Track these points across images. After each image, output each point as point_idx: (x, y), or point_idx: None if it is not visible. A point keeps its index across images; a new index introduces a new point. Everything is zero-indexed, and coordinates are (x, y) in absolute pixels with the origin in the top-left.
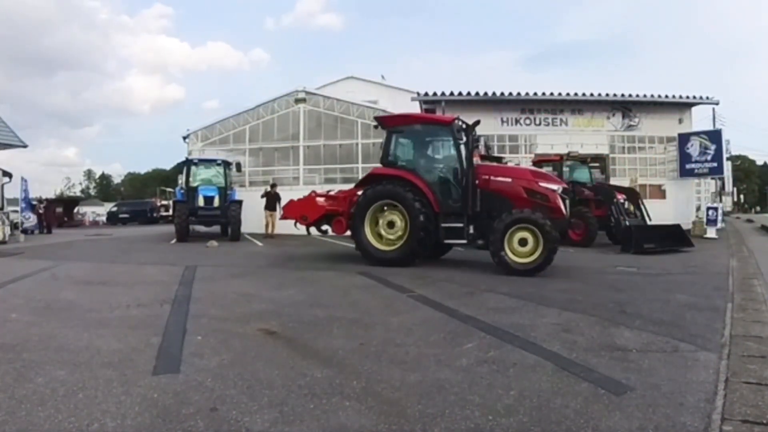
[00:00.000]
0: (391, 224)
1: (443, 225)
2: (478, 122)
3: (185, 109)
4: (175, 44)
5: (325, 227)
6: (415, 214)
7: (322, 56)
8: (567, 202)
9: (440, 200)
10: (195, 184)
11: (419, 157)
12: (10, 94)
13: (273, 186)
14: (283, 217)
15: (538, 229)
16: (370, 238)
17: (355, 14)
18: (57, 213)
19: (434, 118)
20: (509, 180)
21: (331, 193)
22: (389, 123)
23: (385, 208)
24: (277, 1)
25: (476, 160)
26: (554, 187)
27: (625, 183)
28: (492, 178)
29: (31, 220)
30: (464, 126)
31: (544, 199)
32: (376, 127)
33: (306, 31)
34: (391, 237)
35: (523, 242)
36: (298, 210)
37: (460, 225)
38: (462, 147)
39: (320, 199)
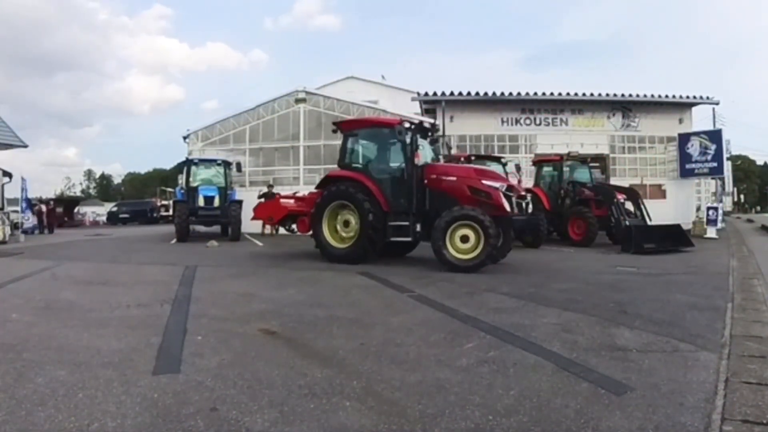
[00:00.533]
0: (346, 223)
1: (391, 223)
2: (421, 122)
3: (185, 110)
4: (174, 45)
5: (293, 226)
6: (364, 214)
7: (321, 57)
8: (513, 199)
9: (390, 200)
10: (195, 184)
11: (371, 158)
12: (10, 94)
13: (270, 187)
14: (253, 218)
15: (479, 225)
16: (327, 236)
17: (353, 15)
18: (57, 213)
19: (381, 121)
20: (454, 179)
21: (299, 194)
22: (346, 127)
23: (343, 207)
24: (275, 2)
25: (417, 160)
26: (497, 184)
27: (627, 182)
28: (440, 177)
29: (30, 221)
30: (411, 127)
31: (487, 197)
32: (334, 131)
33: (304, 32)
34: (348, 235)
35: (465, 239)
36: (266, 211)
37: (407, 223)
38: (407, 148)
39: (289, 201)
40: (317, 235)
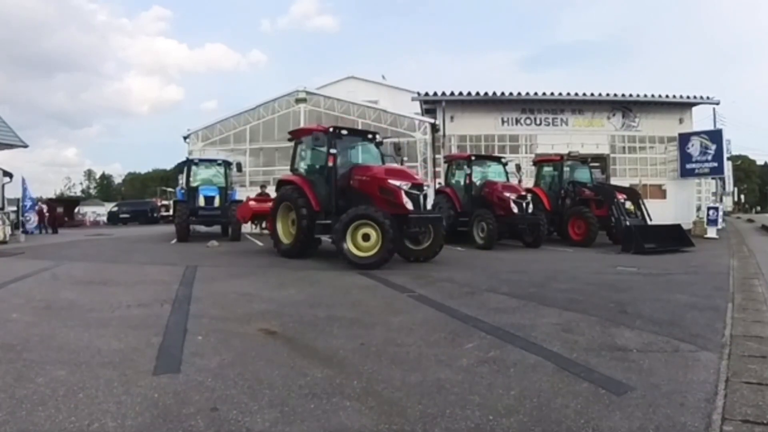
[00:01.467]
0: (293, 222)
1: (318, 222)
2: (336, 128)
3: (184, 110)
4: (173, 46)
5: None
6: (300, 214)
7: (320, 58)
8: (421, 197)
9: (321, 200)
10: (195, 184)
11: (309, 163)
12: (10, 95)
13: (263, 187)
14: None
15: (377, 224)
16: (281, 233)
17: (350, 16)
18: (58, 213)
19: (312, 129)
20: (368, 179)
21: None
22: (295, 135)
23: (290, 208)
24: (272, 4)
25: (330, 163)
26: (398, 183)
27: (628, 183)
28: (360, 178)
29: (32, 221)
30: (332, 133)
31: (392, 195)
32: (290, 140)
33: (302, 34)
34: (294, 233)
35: (366, 237)
36: (240, 212)
37: (329, 222)
38: (328, 153)
39: (266, 204)
40: (272, 231)
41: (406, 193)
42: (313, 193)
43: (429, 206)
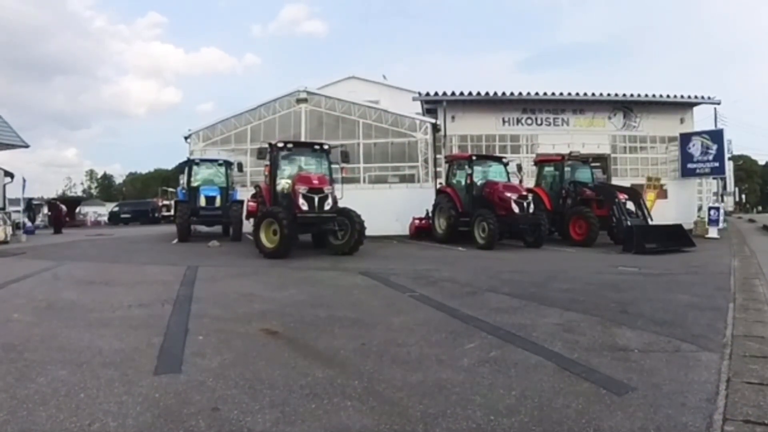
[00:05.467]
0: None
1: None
2: (264, 147)
3: (182, 112)
4: (169, 50)
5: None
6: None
7: (316, 59)
8: (318, 198)
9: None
10: (196, 184)
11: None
12: (9, 97)
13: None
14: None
15: (276, 221)
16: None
17: (339, 20)
18: (62, 213)
19: (269, 143)
20: (292, 184)
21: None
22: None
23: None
24: (258, 10)
25: (266, 173)
26: (299, 187)
27: (637, 181)
28: (293, 185)
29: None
30: (278, 147)
31: (294, 198)
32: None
33: (294, 38)
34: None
35: (275, 232)
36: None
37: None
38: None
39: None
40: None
41: (304, 196)
42: (269, 199)
43: (327, 206)
